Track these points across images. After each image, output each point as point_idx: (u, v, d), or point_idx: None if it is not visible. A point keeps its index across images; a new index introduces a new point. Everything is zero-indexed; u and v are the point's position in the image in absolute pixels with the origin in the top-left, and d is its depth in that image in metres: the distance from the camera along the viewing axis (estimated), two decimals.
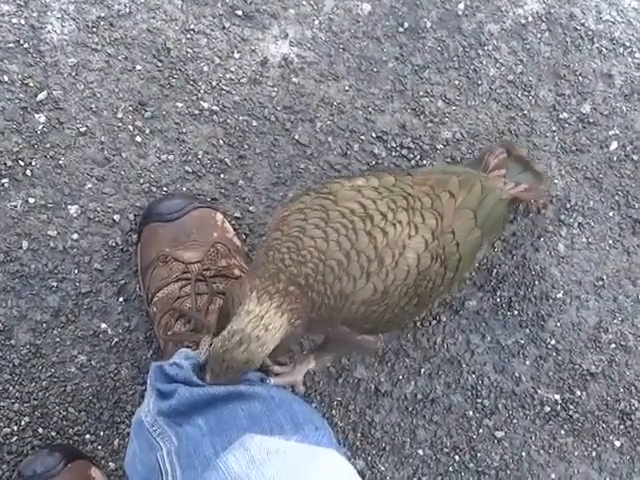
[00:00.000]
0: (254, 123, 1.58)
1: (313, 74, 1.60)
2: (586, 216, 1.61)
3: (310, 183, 1.58)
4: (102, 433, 1.56)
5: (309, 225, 1.17)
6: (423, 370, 1.60)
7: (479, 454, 1.60)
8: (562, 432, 1.61)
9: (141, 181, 1.56)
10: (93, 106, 1.57)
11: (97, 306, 1.55)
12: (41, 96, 1.56)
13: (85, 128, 1.56)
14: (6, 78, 1.55)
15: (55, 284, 1.54)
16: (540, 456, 1.61)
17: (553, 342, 1.60)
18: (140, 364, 1.56)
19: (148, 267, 1.49)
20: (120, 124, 1.57)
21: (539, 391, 1.61)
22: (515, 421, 1.61)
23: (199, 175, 1.57)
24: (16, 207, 1.54)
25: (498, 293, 1.60)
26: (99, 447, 1.56)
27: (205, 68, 1.58)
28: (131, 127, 1.57)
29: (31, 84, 1.56)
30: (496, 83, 1.61)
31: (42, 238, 1.55)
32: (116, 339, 1.56)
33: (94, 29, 1.57)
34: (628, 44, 1.62)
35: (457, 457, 1.60)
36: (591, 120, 1.62)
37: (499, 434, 1.61)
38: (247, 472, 1.08)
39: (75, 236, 1.55)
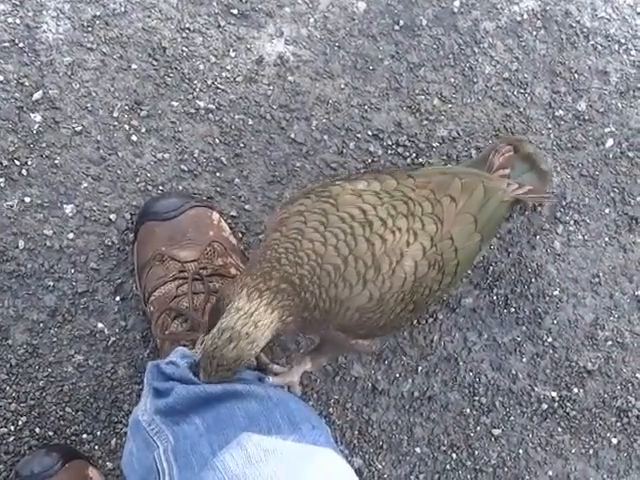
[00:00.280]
0: (250, 122, 1.58)
1: (309, 72, 1.60)
2: (582, 213, 1.61)
3: (306, 181, 1.58)
4: (99, 433, 1.56)
5: (308, 228, 1.17)
6: (420, 368, 1.60)
7: (476, 452, 1.61)
8: (559, 429, 1.61)
9: (137, 180, 1.56)
10: (89, 105, 1.56)
11: (94, 305, 1.55)
12: (37, 95, 1.55)
13: (81, 127, 1.56)
14: (1, 77, 1.55)
15: (51, 283, 1.54)
16: (537, 453, 1.61)
17: (550, 339, 1.60)
18: (137, 363, 1.56)
19: (144, 266, 1.49)
20: (116, 123, 1.57)
21: (536, 389, 1.61)
22: (512, 419, 1.61)
23: (195, 174, 1.57)
24: (12, 206, 1.54)
25: (495, 291, 1.60)
26: (96, 447, 1.56)
27: (201, 67, 1.58)
28: (127, 126, 1.57)
29: (27, 83, 1.55)
30: (492, 81, 1.61)
31: (38, 237, 1.55)
32: (113, 338, 1.56)
33: (89, 28, 1.57)
34: (623, 41, 1.62)
35: (454, 455, 1.60)
36: (587, 117, 1.62)
37: (496, 432, 1.61)
38: (244, 471, 1.08)
39: (71, 235, 1.55)
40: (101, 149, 1.56)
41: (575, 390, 1.61)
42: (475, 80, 1.61)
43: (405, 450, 1.60)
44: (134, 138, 1.57)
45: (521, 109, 1.61)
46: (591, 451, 1.62)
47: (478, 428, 1.61)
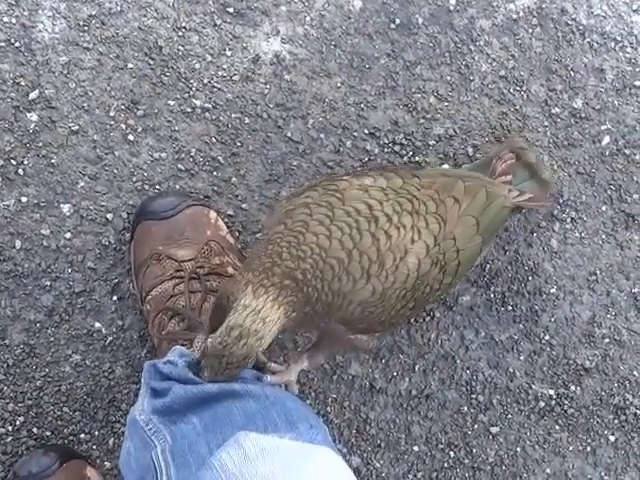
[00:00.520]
0: (246, 120, 1.58)
1: (305, 71, 1.60)
2: (579, 211, 1.61)
3: (303, 180, 1.58)
4: (97, 432, 1.56)
5: (313, 221, 1.17)
6: (417, 366, 1.60)
7: (474, 450, 1.61)
8: (557, 427, 1.61)
9: (134, 179, 1.56)
10: (85, 105, 1.56)
11: (91, 305, 1.55)
12: (33, 95, 1.55)
13: (77, 127, 1.56)
14: None
15: (48, 283, 1.54)
16: (535, 451, 1.61)
17: (547, 337, 1.60)
18: (134, 363, 1.56)
19: (141, 265, 1.49)
20: (112, 122, 1.57)
21: (533, 386, 1.61)
22: (510, 416, 1.61)
23: (192, 173, 1.57)
24: (9, 206, 1.54)
25: (492, 289, 1.60)
26: (94, 446, 1.56)
27: (197, 66, 1.58)
28: (123, 125, 1.57)
29: (23, 83, 1.55)
30: (488, 79, 1.61)
31: (35, 237, 1.54)
32: (110, 338, 1.56)
33: (85, 27, 1.57)
34: (619, 38, 1.62)
35: (452, 453, 1.61)
36: (583, 115, 1.62)
37: (494, 430, 1.61)
38: (241, 469, 1.08)
39: (68, 235, 1.55)
40: (98, 148, 1.56)
41: (572, 388, 1.61)
42: (471, 78, 1.61)
43: (403, 449, 1.60)
44: (131, 137, 1.57)
45: (517, 107, 1.61)
46: (589, 449, 1.62)
47: (476, 426, 1.61)
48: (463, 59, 1.61)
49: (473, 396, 1.60)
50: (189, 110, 1.58)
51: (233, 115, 1.58)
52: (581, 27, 1.63)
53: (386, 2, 1.61)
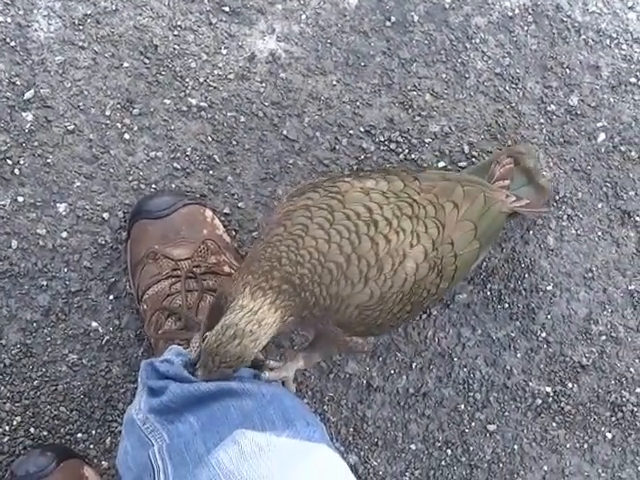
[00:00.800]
0: (242, 119, 1.58)
1: (301, 69, 1.60)
2: (575, 208, 1.61)
3: (299, 178, 1.58)
4: (94, 432, 1.56)
5: (313, 224, 1.17)
6: (414, 364, 1.60)
7: (471, 448, 1.61)
8: (554, 424, 1.61)
9: (130, 178, 1.56)
10: (81, 104, 1.56)
11: (87, 304, 1.55)
12: (28, 94, 1.55)
13: (73, 126, 1.56)
14: None
15: (45, 283, 1.54)
16: (532, 449, 1.61)
17: (544, 334, 1.61)
18: (131, 362, 1.56)
19: (138, 264, 1.49)
20: (108, 122, 1.57)
21: (530, 384, 1.61)
22: (507, 414, 1.61)
23: (188, 172, 1.57)
24: (5, 206, 1.54)
25: (488, 286, 1.60)
26: (91, 446, 1.56)
27: (192, 64, 1.58)
28: (119, 124, 1.57)
29: (18, 82, 1.55)
30: (483, 76, 1.61)
31: (31, 237, 1.54)
32: (107, 337, 1.56)
33: (81, 27, 1.57)
34: (615, 35, 1.63)
35: (449, 451, 1.61)
36: (579, 112, 1.62)
37: (491, 427, 1.61)
38: (238, 467, 1.08)
39: (64, 234, 1.55)
40: (93, 148, 1.56)
41: (569, 385, 1.61)
42: (467, 76, 1.61)
43: (400, 447, 1.60)
44: (126, 136, 1.57)
45: (513, 104, 1.61)
46: (586, 446, 1.62)
47: (473, 424, 1.61)
48: (459, 57, 1.61)
49: (470, 394, 1.60)
50: (185, 109, 1.58)
51: (229, 114, 1.58)
52: (576, 24, 1.63)
53: (381, 0, 1.61)
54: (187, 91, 1.58)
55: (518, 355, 1.61)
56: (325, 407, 1.59)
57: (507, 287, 1.60)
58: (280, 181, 1.58)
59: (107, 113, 1.57)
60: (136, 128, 1.57)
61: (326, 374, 1.59)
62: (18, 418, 1.55)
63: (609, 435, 1.62)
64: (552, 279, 1.60)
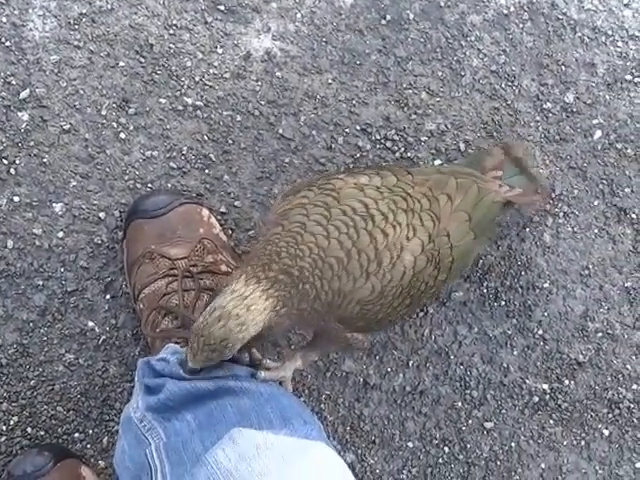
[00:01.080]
0: (238, 118, 1.58)
1: (296, 68, 1.60)
2: (571, 205, 1.61)
3: (295, 177, 1.58)
4: (91, 431, 1.56)
5: (310, 222, 1.17)
6: (411, 362, 1.60)
7: (468, 445, 1.61)
8: (551, 422, 1.62)
9: (126, 178, 1.56)
10: (76, 103, 1.56)
11: (84, 304, 1.55)
12: (24, 94, 1.55)
13: (69, 126, 1.56)
14: None
15: (41, 283, 1.54)
16: (529, 446, 1.62)
17: (540, 332, 1.61)
18: (128, 361, 1.56)
19: (134, 264, 1.49)
20: (104, 121, 1.57)
21: (527, 381, 1.61)
22: (504, 411, 1.61)
23: (184, 171, 1.57)
24: (1, 206, 1.54)
25: (485, 284, 1.60)
26: (88, 445, 1.56)
27: (188, 63, 1.58)
28: (115, 124, 1.57)
29: (13, 82, 1.55)
30: (479, 74, 1.61)
31: (27, 237, 1.54)
32: (103, 337, 1.56)
33: (76, 26, 1.57)
34: (610, 32, 1.63)
35: (446, 449, 1.61)
36: (574, 109, 1.62)
37: (488, 425, 1.61)
38: (236, 466, 1.08)
39: (60, 234, 1.55)
40: (89, 147, 1.56)
41: (566, 382, 1.61)
42: (463, 73, 1.61)
43: (397, 445, 1.60)
44: (122, 136, 1.57)
45: (509, 102, 1.61)
46: (583, 443, 1.62)
47: (470, 422, 1.61)
48: (454, 54, 1.61)
49: (467, 391, 1.60)
50: (181, 108, 1.58)
51: (225, 113, 1.58)
52: (572, 22, 1.63)
53: None
54: (183, 90, 1.58)
55: (515, 352, 1.61)
56: (322, 405, 1.59)
57: (503, 285, 1.60)
58: (276, 180, 1.58)
59: (103, 112, 1.56)
60: (132, 127, 1.57)
61: (323, 372, 1.59)
62: (15, 418, 1.54)
63: (606, 432, 1.62)
64: (548, 276, 1.60)
